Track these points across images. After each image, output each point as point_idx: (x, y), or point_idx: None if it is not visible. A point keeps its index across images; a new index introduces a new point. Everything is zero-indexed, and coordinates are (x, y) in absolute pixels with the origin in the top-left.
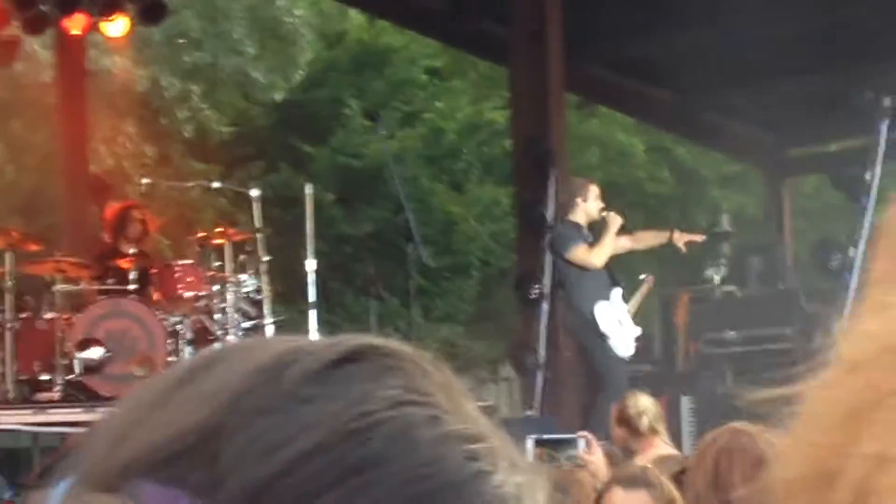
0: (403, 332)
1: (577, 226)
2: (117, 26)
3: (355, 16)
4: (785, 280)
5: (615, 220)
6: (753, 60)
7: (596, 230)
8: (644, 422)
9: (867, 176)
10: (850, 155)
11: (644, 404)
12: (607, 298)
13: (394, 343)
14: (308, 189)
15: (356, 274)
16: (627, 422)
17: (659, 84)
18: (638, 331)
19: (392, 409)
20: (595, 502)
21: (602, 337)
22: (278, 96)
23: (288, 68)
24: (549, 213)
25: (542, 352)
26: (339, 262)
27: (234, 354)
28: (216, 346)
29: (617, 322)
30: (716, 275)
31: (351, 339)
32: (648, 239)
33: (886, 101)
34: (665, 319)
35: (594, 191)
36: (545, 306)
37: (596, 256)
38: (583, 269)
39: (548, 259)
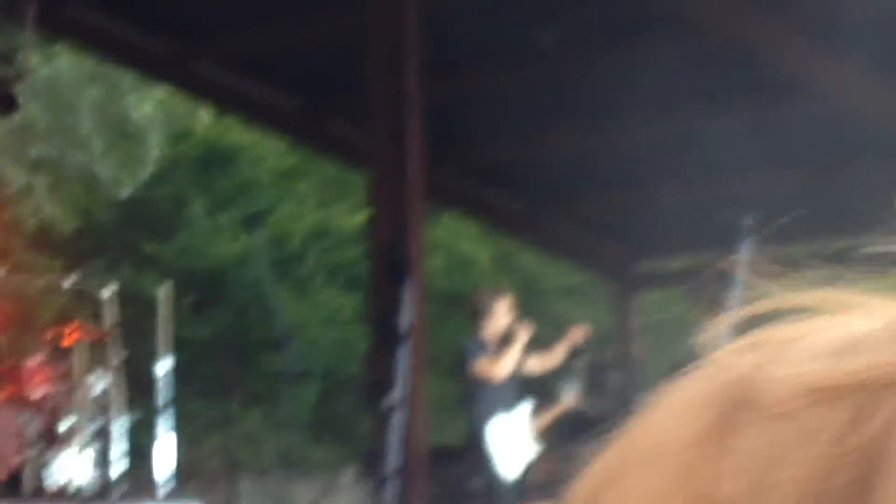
0: (242, 437)
1: (480, 341)
2: None
3: (204, 115)
4: (642, 397)
5: (523, 333)
6: (606, 170)
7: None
8: None
9: (727, 293)
10: (700, 271)
11: None
12: (508, 411)
13: None
14: (164, 290)
15: (196, 377)
16: None
17: (511, 191)
18: (535, 449)
19: None
20: None
21: (486, 454)
22: (125, 193)
23: (135, 165)
24: (403, 323)
25: (392, 463)
26: (179, 363)
27: None
28: None
29: (510, 439)
30: (570, 390)
31: None
32: (560, 354)
33: (748, 220)
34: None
35: (502, 303)
36: (397, 416)
37: (497, 368)
38: (486, 382)
39: (399, 369)
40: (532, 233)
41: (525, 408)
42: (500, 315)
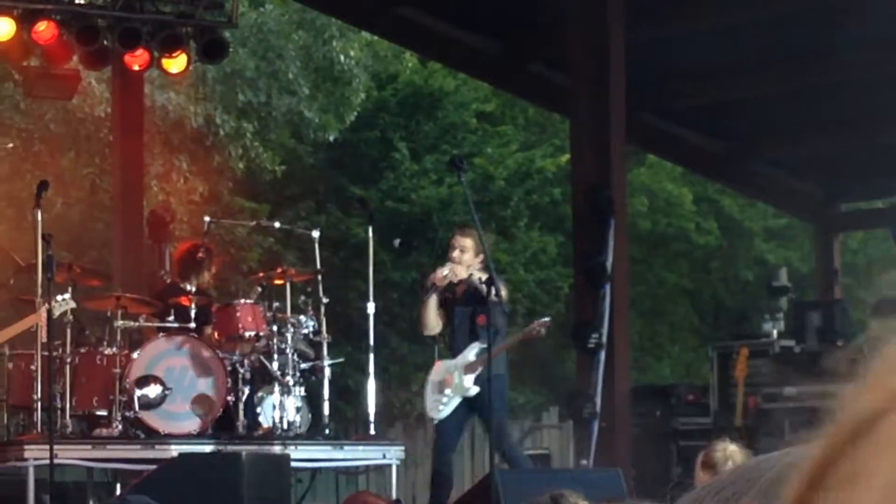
0: None
1: (431, 283)
2: (178, 63)
3: (410, 58)
4: (845, 336)
5: (435, 281)
6: (807, 111)
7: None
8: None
9: None
10: None
11: (732, 450)
12: (445, 358)
13: None
14: (370, 232)
15: (401, 318)
16: (714, 467)
17: (712, 133)
18: (473, 391)
19: None
20: None
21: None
22: (331, 137)
23: (342, 109)
24: (608, 263)
25: (598, 401)
26: (383, 307)
27: None
28: None
29: (437, 387)
30: (774, 329)
31: None
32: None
33: None
34: (722, 373)
35: (459, 241)
36: (602, 355)
37: (421, 321)
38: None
39: (605, 308)
40: (733, 175)
41: (469, 352)
42: (458, 255)
